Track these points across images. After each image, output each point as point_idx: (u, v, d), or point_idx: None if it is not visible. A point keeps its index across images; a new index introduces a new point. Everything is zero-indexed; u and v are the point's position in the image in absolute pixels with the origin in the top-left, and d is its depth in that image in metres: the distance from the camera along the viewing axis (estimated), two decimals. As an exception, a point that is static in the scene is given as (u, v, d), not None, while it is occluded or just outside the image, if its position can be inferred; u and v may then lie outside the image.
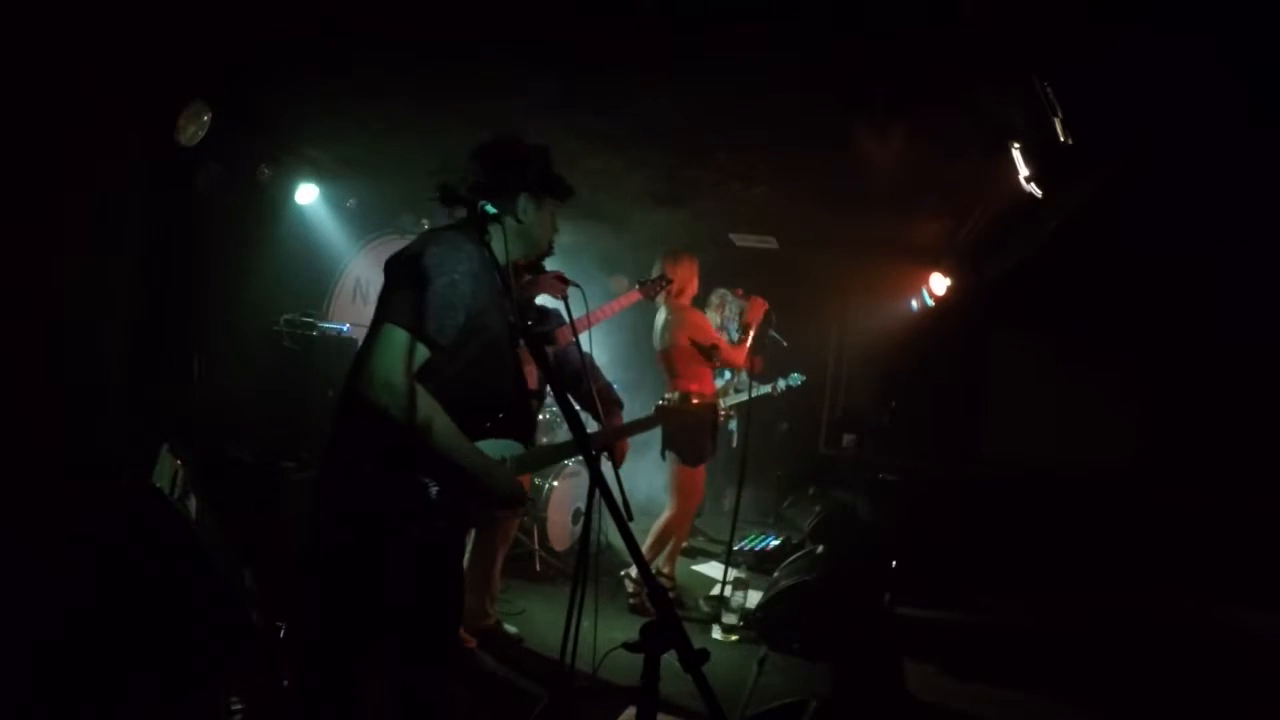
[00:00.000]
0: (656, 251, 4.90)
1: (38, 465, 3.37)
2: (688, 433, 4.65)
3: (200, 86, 4.05)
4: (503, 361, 2.24)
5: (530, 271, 3.27)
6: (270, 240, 5.25)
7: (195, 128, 4.14)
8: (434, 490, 2.06)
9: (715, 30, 3.07)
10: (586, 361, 3.27)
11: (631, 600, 4.68)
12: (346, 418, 2.09)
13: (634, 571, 4.81)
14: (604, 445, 2.86)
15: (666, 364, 4.79)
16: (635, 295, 4.29)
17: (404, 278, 2.05)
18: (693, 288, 4.86)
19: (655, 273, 4.66)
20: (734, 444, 6.38)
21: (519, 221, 2.24)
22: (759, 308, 5.07)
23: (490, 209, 2.12)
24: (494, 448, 2.21)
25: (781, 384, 6.26)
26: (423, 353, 2.00)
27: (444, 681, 2.31)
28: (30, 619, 2.80)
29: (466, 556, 3.81)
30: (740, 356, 4.93)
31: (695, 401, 4.70)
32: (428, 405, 1.99)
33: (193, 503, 3.80)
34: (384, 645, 2.22)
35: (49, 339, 3.58)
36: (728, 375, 6.18)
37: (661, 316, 4.81)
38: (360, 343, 2.08)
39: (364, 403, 1.97)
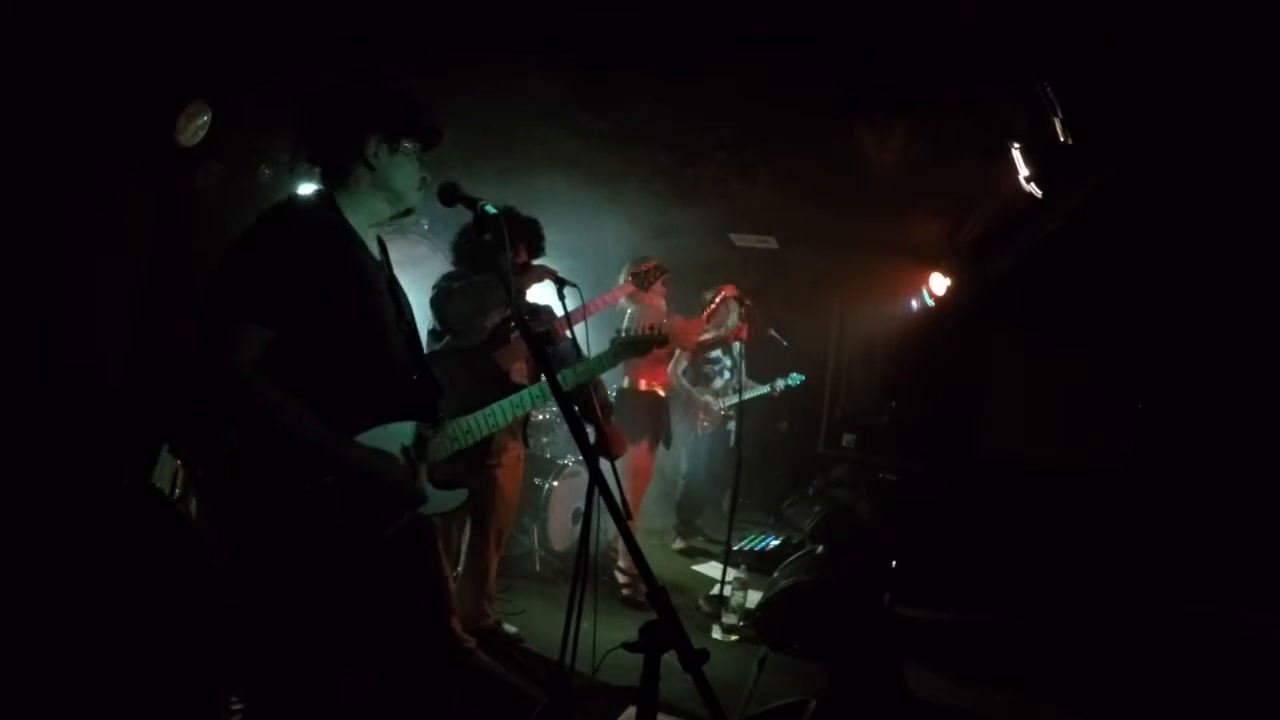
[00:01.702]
0: (656, 251, 4.90)
1: (37, 465, 3.36)
2: (634, 411, 4.76)
3: (200, 86, 4.05)
4: (378, 337, 2.00)
5: (524, 269, 3.28)
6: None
7: (195, 128, 4.14)
8: (315, 493, 1.86)
9: (715, 30, 3.07)
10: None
11: (625, 591, 4.70)
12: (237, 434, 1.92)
13: (623, 562, 4.83)
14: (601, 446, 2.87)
15: None
16: (628, 287, 4.27)
17: (226, 268, 1.87)
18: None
19: (624, 275, 4.63)
20: (732, 443, 6.38)
21: (370, 169, 2.00)
22: (728, 289, 5.14)
23: (490, 209, 2.04)
24: (391, 434, 2.01)
25: (780, 384, 6.26)
26: (261, 337, 1.79)
27: (438, 691, 2.18)
28: (30, 619, 2.80)
29: (463, 558, 3.81)
30: (692, 331, 4.96)
31: (643, 383, 4.86)
32: (277, 397, 1.80)
33: (193, 503, 3.80)
34: (354, 653, 2.10)
35: (49, 339, 3.58)
36: (727, 375, 6.18)
37: (626, 309, 4.87)
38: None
39: (216, 405, 1.82)
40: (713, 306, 5.18)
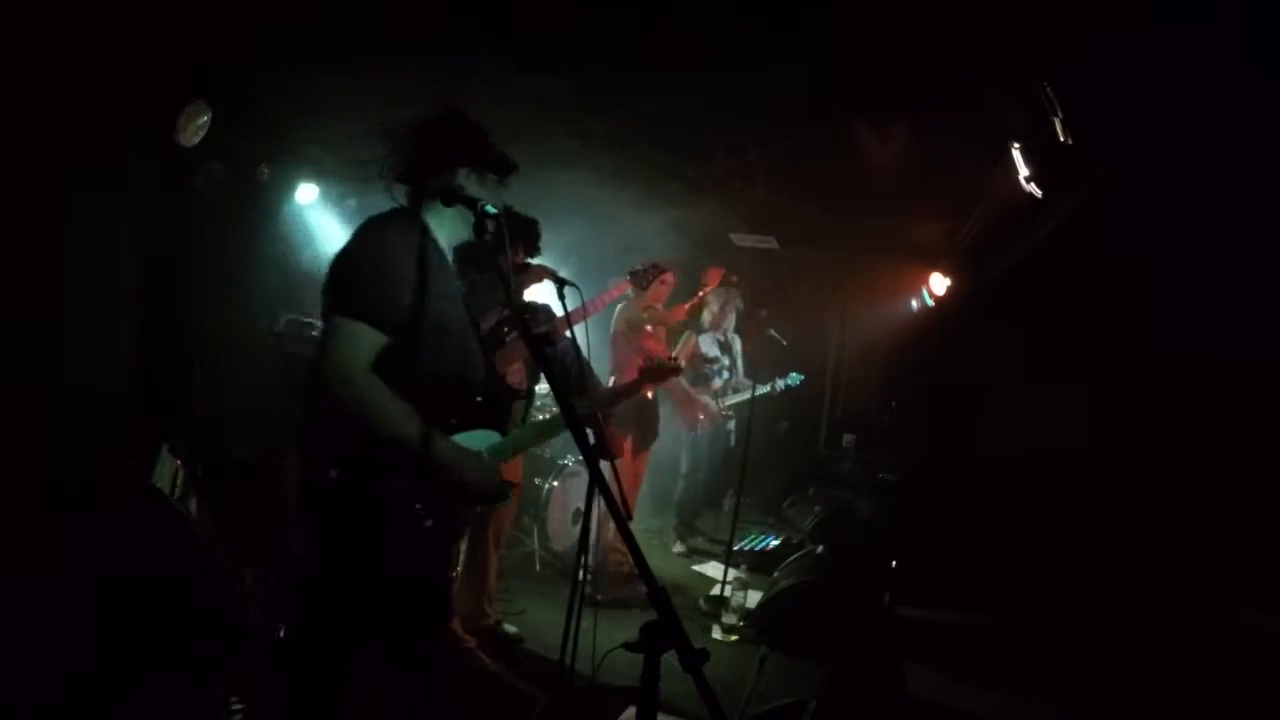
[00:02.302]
0: (655, 251, 4.91)
1: (37, 466, 3.37)
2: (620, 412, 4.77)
3: (200, 86, 4.05)
4: (466, 348, 2.16)
5: (523, 269, 3.28)
6: (270, 240, 5.25)
7: (195, 128, 4.14)
8: (404, 491, 1.99)
9: (716, 31, 3.07)
10: (582, 361, 3.27)
11: (624, 568, 4.73)
12: (310, 424, 2.03)
13: (619, 543, 4.86)
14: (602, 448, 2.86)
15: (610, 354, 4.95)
16: (625, 285, 4.26)
17: (342, 267, 2.01)
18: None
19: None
20: (732, 443, 6.38)
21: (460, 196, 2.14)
22: (716, 276, 5.16)
23: (490, 209, 2.10)
24: (469, 439, 2.14)
25: (780, 384, 6.25)
26: (376, 340, 1.93)
27: (438, 681, 2.28)
28: (31, 619, 2.80)
29: (461, 557, 3.81)
30: (675, 316, 5.04)
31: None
32: (386, 396, 1.92)
33: (193, 503, 3.80)
34: (375, 647, 2.19)
35: (49, 339, 3.58)
36: (725, 375, 6.17)
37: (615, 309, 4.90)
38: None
39: (325, 401, 1.93)
40: (702, 294, 5.22)
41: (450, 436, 2.08)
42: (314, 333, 4.88)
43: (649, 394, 5.12)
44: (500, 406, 2.30)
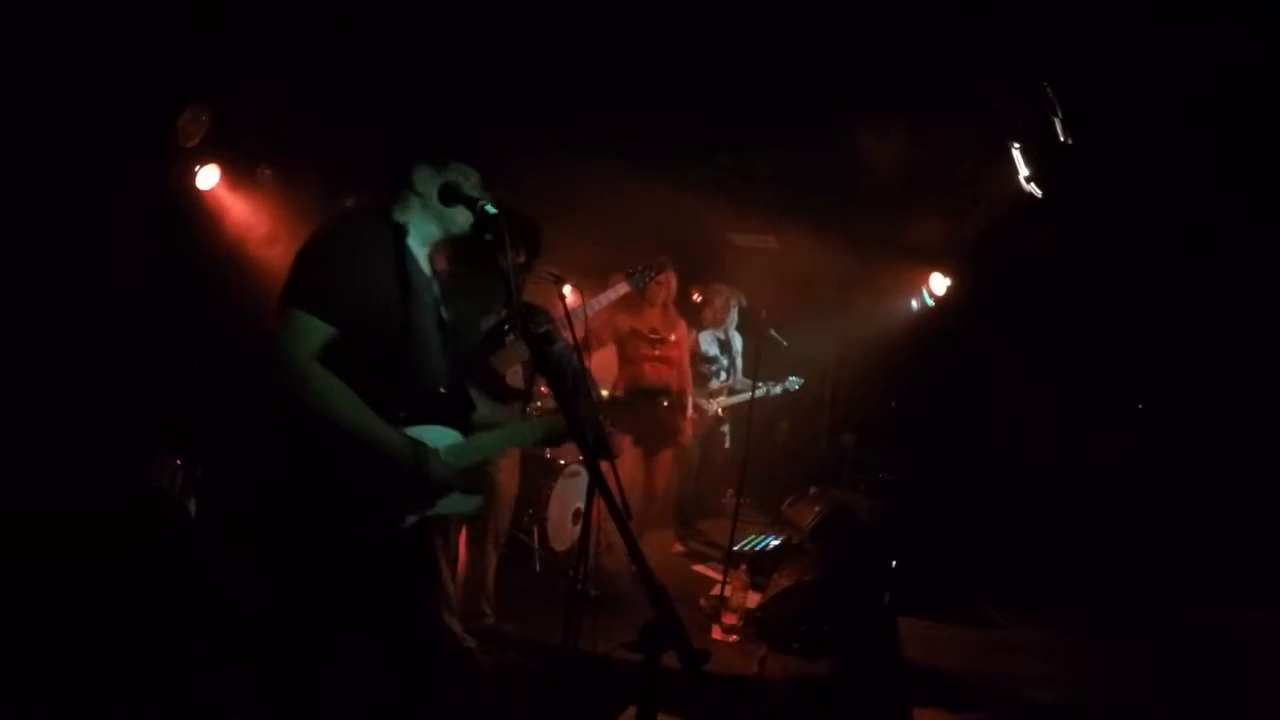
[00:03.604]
0: (655, 253, 4.90)
1: (37, 466, 3.36)
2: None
3: (200, 86, 4.05)
4: (425, 346, 2.14)
5: (523, 271, 3.27)
6: (270, 240, 5.24)
7: (195, 128, 4.15)
8: (355, 486, 1.98)
9: (717, 32, 3.08)
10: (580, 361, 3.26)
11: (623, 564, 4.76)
12: (261, 418, 2.05)
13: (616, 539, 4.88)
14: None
15: None
16: (624, 286, 4.24)
17: (299, 259, 2.02)
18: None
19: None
20: (726, 445, 6.38)
21: (420, 195, 2.13)
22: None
23: (490, 209, 2.08)
24: (429, 436, 2.11)
25: (778, 388, 6.25)
26: (324, 331, 1.94)
27: (428, 681, 2.25)
28: (31, 619, 2.80)
29: (463, 558, 3.80)
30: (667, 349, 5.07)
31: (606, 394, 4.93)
32: (335, 386, 1.94)
33: (192, 503, 3.80)
34: (360, 645, 2.17)
35: (48, 339, 3.58)
36: (723, 377, 6.17)
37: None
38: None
39: (276, 392, 1.95)
40: (698, 298, 5.22)
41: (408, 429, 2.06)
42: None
43: (661, 400, 5.13)
44: (463, 408, 2.26)
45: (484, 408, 2.36)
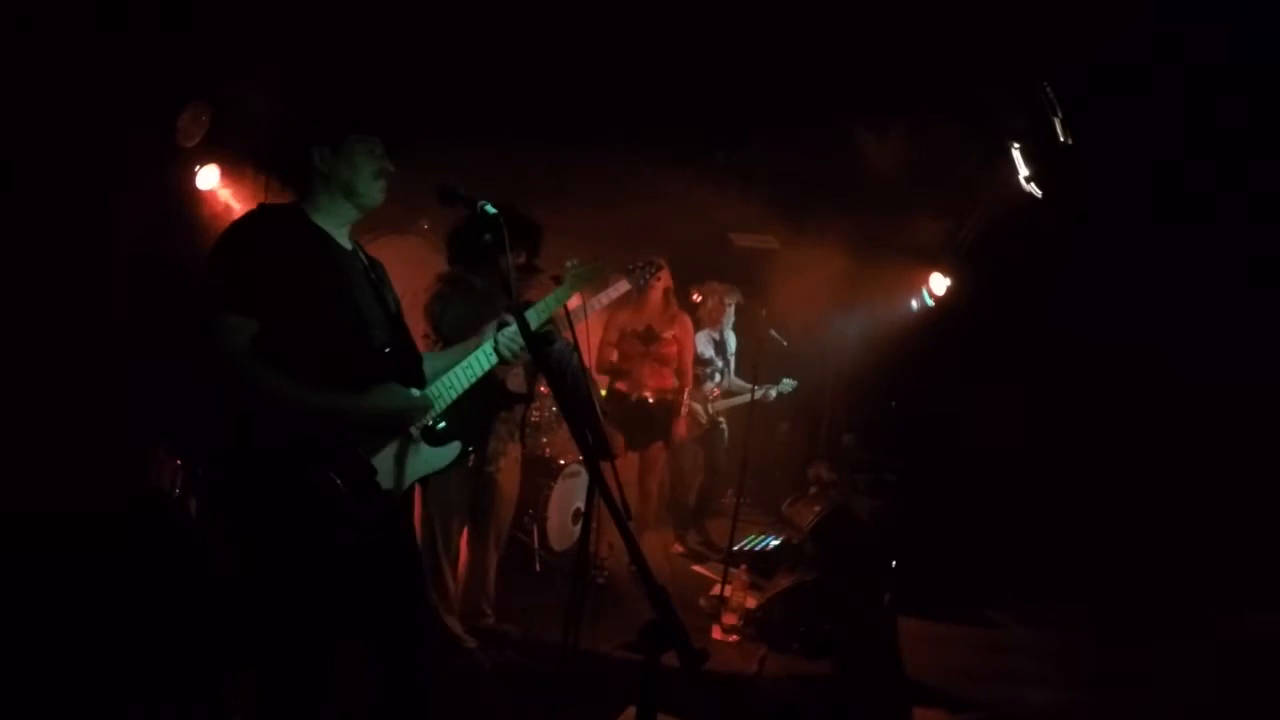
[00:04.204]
0: (655, 251, 4.90)
1: (37, 466, 3.37)
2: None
3: (200, 86, 4.05)
4: (360, 313, 2.14)
5: (525, 271, 3.27)
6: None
7: (195, 128, 4.15)
8: (339, 482, 1.98)
9: (717, 33, 3.08)
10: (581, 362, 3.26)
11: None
12: (204, 420, 2.05)
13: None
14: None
15: None
16: (624, 285, 4.23)
17: (206, 266, 2.03)
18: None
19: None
20: (725, 443, 6.38)
21: (322, 175, 2.13)
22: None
23: (490, 209, 2.07)
24: (386, 396, 2.14)
25: (772, 391, 6.25)
26: (248, 327, 1.95)
27: (422, 668, 2.25)
28: (31, 620, 2.80)
29: (463, 558, 3.80)
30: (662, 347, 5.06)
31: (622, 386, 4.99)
32: (276, 375, 1.95)
33: (193, 503, 3.80)
34: (353, 641, 2.17)
35: (48, 339, 3.58)
36: (717, 378, 6.16)
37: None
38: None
39: (218, 394, 1.97)
40: (697, 298, 5.21)
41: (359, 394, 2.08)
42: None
43: (649, 399, 5.13)
44: (412, 363, 2.26)
45: (431, 361, 2.37)
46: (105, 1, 3.38)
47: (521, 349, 2.42)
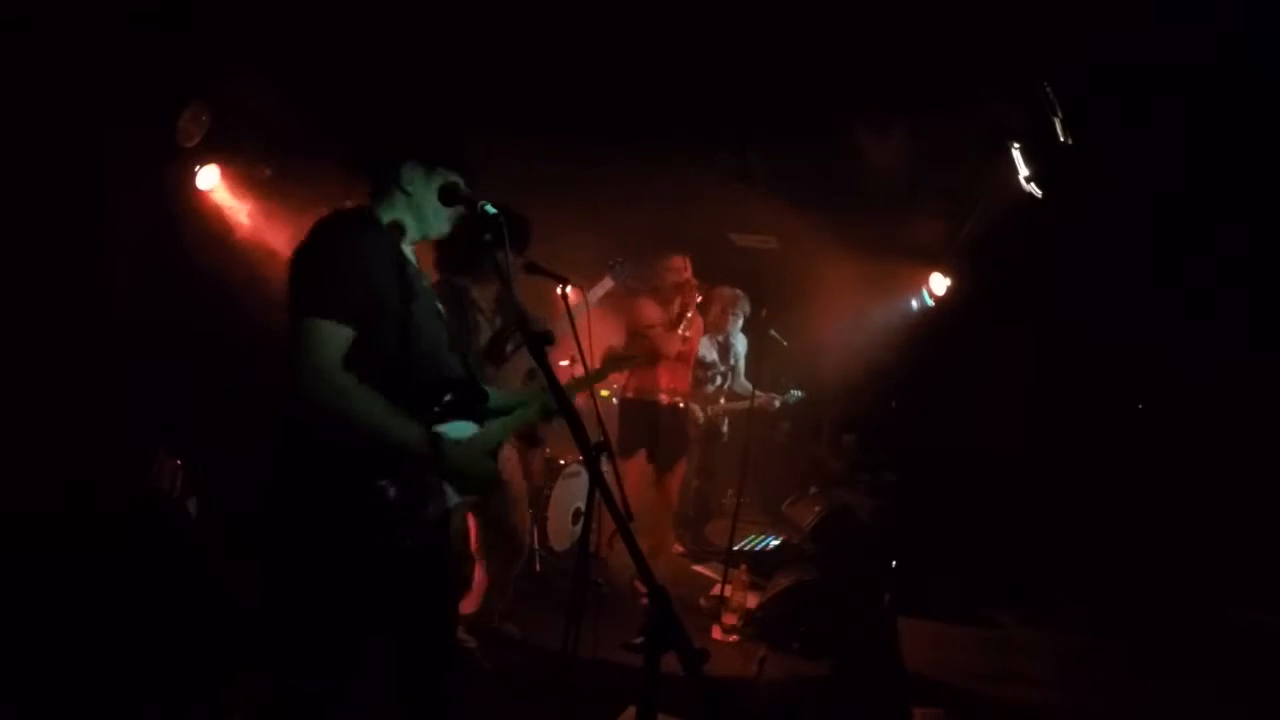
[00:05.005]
0: (668, 251, 4.90)
1: (37, 466, 3.37)
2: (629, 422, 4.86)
3: (200, 86, 4.05)
4: (434, 342, 2.13)
5: (528, 272, 3.26)
6: (270, 240, 5.24)
7: (195, 128, 4.14)
8: (392, 491, 1.94)
9: (717, 33, 3.08)
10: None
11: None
12: (287, 433, 2.00)
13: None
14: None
15: None
16: (608, 283, 4.20)
17: (301, 268, 1.98)
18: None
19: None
20: (724, 441, 6.38)
21: (406, 194, 2.11)
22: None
23: (490, 209, 2.07)
24: (451, 431, 2.10)
25: (777, 401, 6.26)
26: (346, 336, 1.91)
27: (450, 684, 2.24)
28: (31, 620, 2.80)
29: (480, 564, 3.79)
30: (670, 345, 4.94)
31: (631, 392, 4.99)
32: (367, 393, 1.90)
33: (193, 503, 3.81)
34: (379, 649, 2.14)
35: (48, 339, 3.58)
36: (718, 382, 6.16)
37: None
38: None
39: (303, 405, 1.90)
40: (700, 303, 5.19)
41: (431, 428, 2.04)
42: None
43: (663, 400, 5.10)
44: (476, 398, 2.23)
45: (493, 397, 2.33)
46: (105, 1, 3.38)
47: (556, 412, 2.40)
